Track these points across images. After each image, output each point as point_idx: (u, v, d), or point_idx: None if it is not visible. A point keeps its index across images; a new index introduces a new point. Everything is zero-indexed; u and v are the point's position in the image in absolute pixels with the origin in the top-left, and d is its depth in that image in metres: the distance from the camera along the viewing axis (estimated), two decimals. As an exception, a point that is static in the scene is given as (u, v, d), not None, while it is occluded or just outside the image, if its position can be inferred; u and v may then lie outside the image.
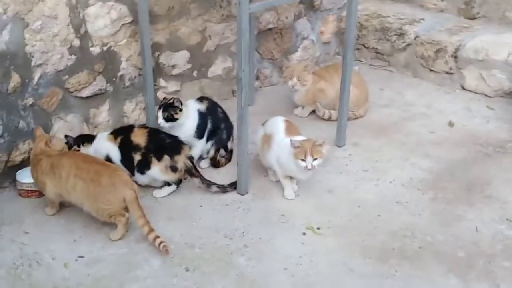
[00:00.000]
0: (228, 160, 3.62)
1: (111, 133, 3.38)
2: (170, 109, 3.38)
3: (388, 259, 2.91)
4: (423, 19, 4.74)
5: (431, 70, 4.57)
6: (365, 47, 4.88)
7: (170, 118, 3.39)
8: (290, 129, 3.32)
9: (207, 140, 3.56)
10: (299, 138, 3.22)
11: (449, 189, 3.41)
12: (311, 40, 4.74)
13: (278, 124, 3.36)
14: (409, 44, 4.64)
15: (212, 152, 3.57)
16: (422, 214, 3.22)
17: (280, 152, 3.24)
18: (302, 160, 3.12)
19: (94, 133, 3.52)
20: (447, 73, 4.49)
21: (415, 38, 4.60)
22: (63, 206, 3.20)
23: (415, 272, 2.82)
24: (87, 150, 3.35)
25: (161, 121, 3.40)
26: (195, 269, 2.83)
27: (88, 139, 3.40)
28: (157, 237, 2.89)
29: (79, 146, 3.35)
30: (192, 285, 2.74)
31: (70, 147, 3.35)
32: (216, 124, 3.56)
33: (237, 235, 3.05)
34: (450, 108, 4.25)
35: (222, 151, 3.61)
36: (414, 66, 4.66)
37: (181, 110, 3.40)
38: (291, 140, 3.14)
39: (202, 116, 3.52)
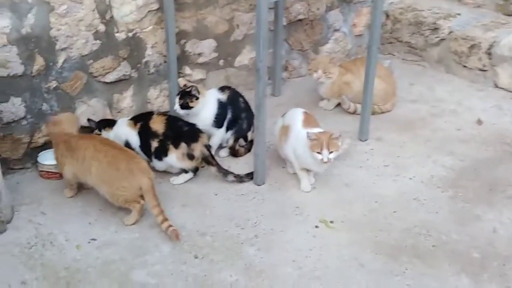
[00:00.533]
0: (248, 150, 3.61)
1: (131, 119, 3.42)
2: (187, 96, 3.40)
3: (399, 256, 2.86)
4: (459, 14, 4.63)
5: (464, 66, 4.47)
6: (398, 41, 4.80)
7: (185, 106, 3.40)
8: (308, 121, 3.30)
9: (227, 130, 3.56)
10: (316, 130, 3.19)
11: (470, 188, 3.34)
12: (343, 32, 4.69)
13: (296, 116, 3.34)
14: (442, 39, 4.54)
15: (231, 142, 3.57)
16: (440, 212, 3.16)
17: (296, 144, 3.22)
18: (318, 153, 3.09)
19: (117, 119, 3.55)
20: (480, 70, 4.39)
21: (449, 33, 4.50)
22: (81, 189, 3.25)
23: (426, 271, 2.78)
24: (108, 134, 3.39)
25: (177, 107, 3.42)
26: (204, 257, 2.84)
27: (109, 123, 3.44)
28: (170, 226, 2.91)
29: (100, 131, 3.40)
30: (199, 273, 2.75)
31: (92, 131, 3.39)
32: (236, 114, 3.56)
33: (249, 225, 3.05)
34: (481, 106, 4.15)
35: (241, 141, 3.61)
36: (447, 61, 4.56)
37: (197, 98, 3.40)
38: (307, 133, 3.12)
39: (222, 106, 3.52)
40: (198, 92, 3.41)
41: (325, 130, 3.20)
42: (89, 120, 3.46)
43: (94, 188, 3.09)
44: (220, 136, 3.53)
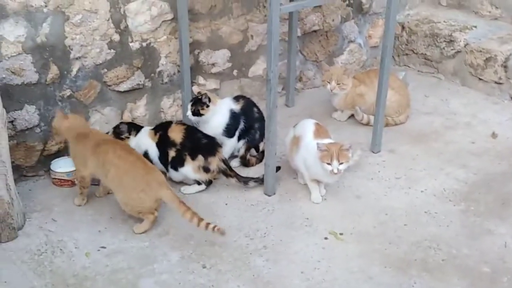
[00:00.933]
0: (260, 160, 3.61)
1: (153, 129, 3.43)
2: (199, 104, 3.41)
3: (408, 269, 2.85)
4: (475, 27, 4.60)
5: (479, 79, 4.44)
6: (414, 52, 4.78)
7: (196, 113, 3.42)
8: (320, 132, 3.30)
9: (239, 139, 3.57)
10: (327, 141, 3.19)
11: (482, 202, 3.31)
12: (358, 44, 4.68)
13: (307, 127, 3.34)
14: (458, 52, 4.52)
15: (242, 151, 3.57)
16: (450, 226, 3.13)
17: (307, 154, 3.22)
18: (328, 163, 3.09)
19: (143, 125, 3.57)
20: (496, 82, 4.35)
21: (465, 46, 4.47)
22: (92, 197, 3.27)
23: (435, 285, 2.76)
24: (131, 140, 3.40)
25: (189, 113, 3.45)
26: (212, 266, 2.85)
27: (135, 128, 3.44)
28: (208, 223, 2.90)
29: (130, 134, 3.41)
30: (207, 283, 2.75)
31: (119, 134, 3.39)
32: (249, 124, 3.56)
33: (258, 235, 3.05)
34: (496, 119, 4.12)
35: (253, 151, 3.61)
36: (463, 74, 4.53)
37: (208, 106, 3.42)
38: (317, 143, 3.11)
39: (235, 116, 3.53)
40: (209, 100, 3.43)
41: (335, 141, 3.20)
42: (121, 123, 3.44)
43: (110, 191, 3.12)
44: (231, 146, 3.54)
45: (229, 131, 3.51)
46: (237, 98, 3.62)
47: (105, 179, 3.06)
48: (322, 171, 3.15)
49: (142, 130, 3.46)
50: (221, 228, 2.89)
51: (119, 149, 3.06)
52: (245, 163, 3.59)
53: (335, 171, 3.09)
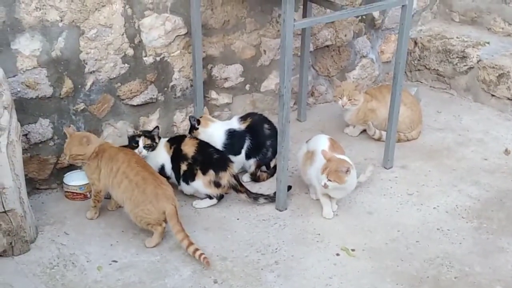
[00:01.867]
0: (271, 175, 3.61)
1: (168, 141, 3.46)
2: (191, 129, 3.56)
3: (421, 287, 2.84)
4: (488, 43, 4.60)
5: (492, 95, 4.43)
6: (426, 68, 4.78)
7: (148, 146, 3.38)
8: (334, 148, 3.30)
9: (249, 157, 3.57)
10: (340, 157, 3.19)
11: (495, 219, 3.29)
12: (370, 59, 4.69)
13: (322, 142, 3.34)
14: (471, 68, 4.51)
15: (252, 168, 3.58)
16: (463, 243, 3.12)
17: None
18: (322, 173, 3.11)
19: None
20: (508, 99, 4.34)
21: (477, 62, 4.47)
22: (104, 210, 3.28)
23: (447, 303, 2.75)
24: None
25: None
26: (223, 281, 2.85)
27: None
28: (197, 249, 2.93)
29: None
30: (218, 298, 2.76)
31: (153, 141, 3.38)
32: (258, 142, 3.56)
33: (270, 251, 3.05)
34: (509, 136, 4.10)
35: (263, 167, 3.62)
36: (475, 90, 4.52)
37: (196, 129, 3.51)
38: (322, 150, 3.12)
39: (234, 135, 3.54)
40: (198, 123, 3.50)
41: (344, 159, 3.19)
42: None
43: (119, 203, 3.14)
44: (238, 162, 3.53)
45: (230, 150, 3.50)
46: (244, 117, 3.64)
47: (117, 190, 3.07)
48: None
49: (160, 141, 3.46)
50: (208, 259, 2.89)
51: (134, 162, 3.09)
52: (255, 179, 3.59)
53: (322, 183, 3.10)
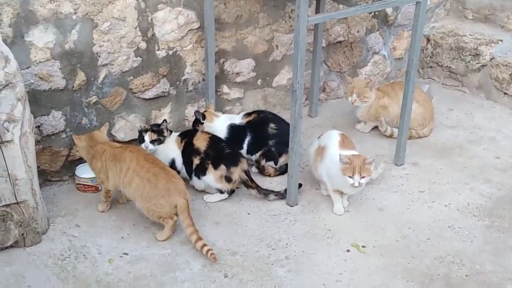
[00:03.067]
0: (280, 173, 3.60)
1: (179, 135, 3.47)
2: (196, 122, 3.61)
3: (431, 284, 2.83)
4: (501, 41, 4.57)
5: (505, 93, 4.41)
6: (438, 65, 4.76)
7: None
8: (345, 143, 3.29)
9: (252, 153, 3.60)
10: (350, 153, 3.18)
11: (506, 217, 3.28)
12: (382, 55, 4.67)
13: (333, 137, 3.33)
14: (483, 65, 4.49)
15: (256, 156, 3.60)
16: (474, 241, 3.11)
17: (331, 165, 3.22)
18: (350, 177, 3.08)
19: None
20: (521, 97, 4.33)
21: (490, 60, 4.44)
22: (115, 203, 3.29)
23: (458, 301, 2.74)
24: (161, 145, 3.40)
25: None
26: (234, 276, 2.85)
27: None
28: (205, 245, 2.94)
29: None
30: (228, 292, 2.76)
31: (161, 135, 3.39)
32: (259, 138, 3.58)
33: (280, 246, 3.05)
34: (521, 134, 4.09)
35: (271, 163, 3.62)
36: (488, 88, 4.50)
37: (202, 123, 3.55)
38: (340, 155, 3.10)
39: (236, 129, 3.58)
40: (204, 117, 3.55)
41: (359, 154, 3.19)
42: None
43: (131, 200, 3.14)
44: None
45: (231, 144, 3.50)
46: (249, 114, 3.67)
47: (129, 189, 3.08)
48: (344, 182, 3.14)
49: (171, 135, 3.47)
50: (215, 254, 2.90)
51: (142, 159, 3.09)
52: (260, 168, 3.59)
53: (356, 184, 3.08)
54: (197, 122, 3.59)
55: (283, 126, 3.58)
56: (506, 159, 3.81)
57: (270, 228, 3.18)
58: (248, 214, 3.28)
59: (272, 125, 3.61)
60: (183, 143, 3.41)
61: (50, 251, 2.97)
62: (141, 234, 3.11)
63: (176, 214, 3.03)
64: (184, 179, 3.26)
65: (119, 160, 3.11)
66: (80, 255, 2.95)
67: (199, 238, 2.96)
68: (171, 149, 3.42)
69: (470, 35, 4.68)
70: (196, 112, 3.60)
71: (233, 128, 3.59)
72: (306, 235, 3.13)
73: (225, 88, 3.96)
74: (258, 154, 3.60)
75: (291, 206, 3.33)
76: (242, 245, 3.05)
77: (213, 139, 3.39)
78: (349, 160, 3.08)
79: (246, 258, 2.97)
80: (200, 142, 3.36)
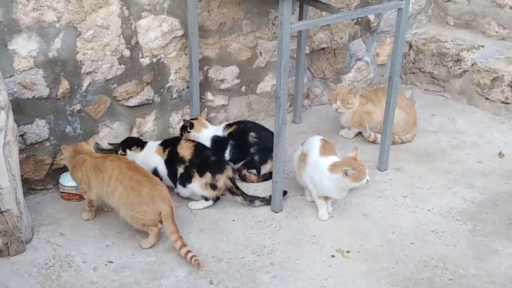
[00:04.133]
0: (263, 179, 3.62)
1: (161, 144, 3.46)
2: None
3: (415, 289, 2.85)
4: (482, 46, 4.62)
5: (486, 98, 4.45)
6: (421, 71, 4.80)
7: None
8: (325, 149, 3.30)
9: (235, 163, 3.64)
10: (332, 158, 3.21)
11: (489, 221, 3.31)
12: (365, 62, 4.71)
13: (314, 143, 3.35)
14: (465, 71, 4.54)
15: (238, 165, 3.63)
16: (457, 245, 3.14)
17: (313, 172, 3.23)
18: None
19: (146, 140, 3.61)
20: (502, 102, 4.37)
21: (472, 65, 4.49)
22: (100, 211, 3.29)
23: (442, 305, 2.76)
24: (135, 155, 3.43)
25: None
26: (219, 283, 2.85)
27: (137, 143, 3.49)
28: (189, 251, 2.94)
29: (124, 151, 3.44)
30: (214, 299, 2.77)
31: (116, 152, 3.44)
32: (241, 149, 3.62)
33: (265, 252, 3.06)
34: (503, 139, 4.13)
35: (254, 171, 3.65)
36: (470, 93, 4.55)
37: (188, 132, 3.63)
38: (345, 170, 3.10)
39: (217, 141, 3.63)
40: (192, 126, 3.61)
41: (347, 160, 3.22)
42: (109, 143, 3.51)
43: (115, 209, 3.13)
44: None
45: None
46: (230, 125, 3.71)
47: (112, 198, 3.08)
48: (329, 187, 3.16)
49: (148, 145, 3.49)
50: (199, 261, 2.90)
51: (125, 167, 3.09)
52: (241, 177, 3.62)
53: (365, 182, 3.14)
54: (184, 129, 3.61)
55: (264, 134, 3.62)
56: (488, 164, 3.85)
57: (255, 234, 3.19)
58: (233, 220, 3.29)
59: (252, 133, 3.63)
60: (166, 152, 3.41)
61: (35, 260, 2.96)
62: (126, 242, 3.11)
63: (161, 221, 3.03)
64: (168, 187, 3.26)
65: (101, 170, 3.10)
66: (65, 264, 2.94)
67: (184, 245, 2.96)
68: (152, 158, 3.43)
69: (451, 41, 4.73)
70: (185, 120, 3.63)
71: (215, 140, 3.62)
72: (291, 241, 3.15)
73: (209, 95, 3.97)
74: (240, 164, 3.62)
75: (276, 212, 3.34)
76: (227, 252, 3.05)
77: (198, 147, 3.40)
78: (355, 167, 3.12)
79: (231, 264, 2.97)
80: (185, 151, 3.37)
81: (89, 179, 3.14)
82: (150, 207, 3.00)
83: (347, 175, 3.09)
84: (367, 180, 3.13)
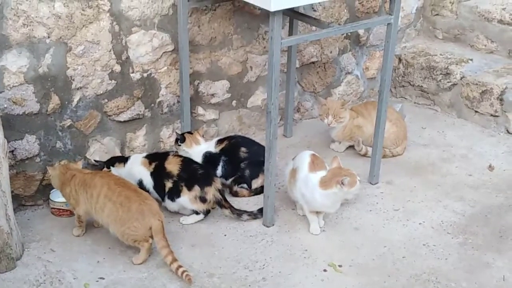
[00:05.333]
0: (254, 193, 3.62)
1: (146, 157, 3.46)
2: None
3: (407, 302, 2.85)
4: (471, 60, 4.66)
5: (476, 111, 4.48)
6: (410, 84, 4.83)
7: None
8: (315, 164, 3.30)
9: (226, 178, 3.63)
10: (321, 173, 3.22)
11: (480, 234, 3.32)
12: (355, 75, 4.73)
13: (304, 159, 3.35)
14: (454, 84, 4.57)
15: (229, 182, 3.63)
16: (449, 258, 3.14)
17: (304, 187, 3.24)
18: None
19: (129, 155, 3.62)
20: (491, 115, 4.39)
21: (461, 78, 4.52)
22: (91, 227, 3.27)
23: (434, 318, 2.76)
24: (119, 171, 3.43)
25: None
26: (211, 298, 2.85)
27: (120, 160, 3.49)
28: (180, 266, 2.93)
29: (108, 168, 3.44)
30: (206, 315, 2.75)
31: (101, 169, 3.45)
32: (232, 164, 3.62)
33: (257, 267, 3.05)
34: (492, 152, 4.15)
35: (245, 185, 3.65)
36: (459, 106, 4.58)
37: (179, 145, 3.62)
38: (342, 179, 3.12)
39: (209, 157, 3.62)
40: (184, 140, 3.61)
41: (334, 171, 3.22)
42: (95, 160, 3.52)
43: (104, 226, 3.12)
44: None
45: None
46: (221, 140, 3.71)
47: (101, 214, 3.06)
48: (324, 202, 3.16)
49: (132, 158, 3.49)
50: (190, 276, 2.89)
51: (113, 184, 3.09)
52: (232, 193, 3.62)
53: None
54: (176, 142, 3.62)
55: (255, 148, 3.64)
56: (478, 177, 3.86)
57: (247, 249, 3.18)
58: (225, 235, 3.29)
59: (243, 148, 3.64)
60: (152, 165, 3.41)
61: (25, 277, 2.93)
62: (117, 258, 3.09)
63: (151, 237, 3.02)
64: (156, 200, 3.26)
65: (89, 186, 3.09)
66: (56, 281, 2.92)
67: (175, 260, 2.95)
68: (137, 170, 3.42)
69: (440, 54, 4.77)
70: (177, 133, 3.63)
71: (207, 157, 3.62)
72: (283, 255, 3.14)
73: (200, 110, 3.97)
74: (230, 180, 3.62)
75: (267, 226, 3.34)
76: (219, 267, 3.04)
77: (185, 161, 3.40)
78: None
79: (223, 280, 2.96)
80: (173, 166, 3.36)
81: (77, 194, 3.13)
82: (140, 223, 2.99)
83: (344, 184, 3.09)
84: (359, 181, 3.14)
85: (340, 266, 3.08)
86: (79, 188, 3.12)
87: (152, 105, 3.75)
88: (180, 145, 3.59)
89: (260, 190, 3.56)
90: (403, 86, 4.88)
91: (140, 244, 3.03)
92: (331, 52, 4.49)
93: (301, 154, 3.43)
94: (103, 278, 2.95)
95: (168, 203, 3.38)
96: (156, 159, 3.43)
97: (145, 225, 2.99)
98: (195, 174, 3.35)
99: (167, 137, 3.86)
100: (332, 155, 3.97)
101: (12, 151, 3.27)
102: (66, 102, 3.40)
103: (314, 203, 3.22)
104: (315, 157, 3.36)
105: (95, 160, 3.52)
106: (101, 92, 3.51)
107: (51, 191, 3.42)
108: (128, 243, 3.05)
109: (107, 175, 3.22)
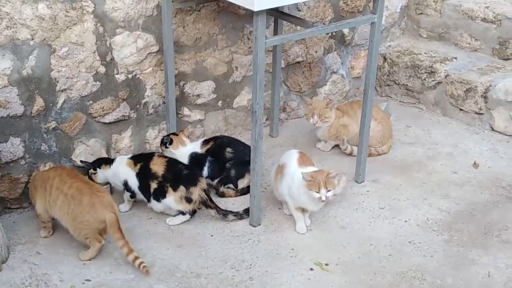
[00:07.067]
0: (241, 194, 3.62)
1: (131, 158, 3.45)
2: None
3: (394, 300, 2.87)
4: (455, 58, 4.68)
5: (460, 109, 4.51)
6: (395, 83, 4.85)
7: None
8: (303, 160, 3.32)
9: (212, 178, 3.64)
10: (311, 169, 3.22)
11: (465, 231, 3.34)
12: (340, 75, 4.74)
13: (291, 155, 3.36)
14: (439, 82, 4.59)
15: (215, 183, 3.63)
16: (435, 255, 3.16)
17: (291, 183, 3.24)
18: (317, 192, 3.10)
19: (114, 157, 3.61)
20: (476, 113, 4.42)
21: (445, 77, 4.55)
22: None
23: (420, 315, 2.78)
24: (105, 172, 3.42)
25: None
26: (198, 299, 2.85)
27: (106, 161, 3.48)
28: (137, 257, 2.94)
29: (95, 169, 3.43)
30: (193, 315, 2.75)
31: (86, 172, 3.43)
32: (219, 164, 3.62)
33: (244, 267, 3.06)
34: (477, 149, 4.17)
35: (231, 186, 3.65)
36: (444, 104, 4.60)
37: (166, 147, 3.61)
38: (302, 174, 3.13)
39: (196, 158, 3.62)
40: (171, 142, 3.59)
41: (321, 169, 3.22)
42: (81, 161, 3.50)
43: (59, 221, 3.10)
44: None
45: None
46: (207, 141, 3.72)
47: (54, 208, 3.05)
48: (306, 198, 3.17)
49: (117, 159, 3.48)
50: (147, 267, 2.90)
51: (65, 175, 3.08)
52: (219, 193, 3.62)
53: (323, 198, 3.11)
54: (163, 144, 3.61)
55: (240, 148, 3.64)
56: (463, 174, 3.89)
57: (234, 249, 3.18)
58: (212, 235, 3.29)
59: (228, 149, 3.64)
60: (137, 166, 3.40)
61: (11, 280, 2.92)
62: (104, 260, 3.08)
63: (105, 232, 3.00)
64: (143, 202, 3.25)
65: (44, 179, 3.09)
66: (42, 283, 2.92)
67: (131, 251, 2.94)
68: (122, 171, 3.41)
69: (425, 53, 4.79)
70: (165, 136, 3.63)
71: (194, 158, 3.62)
72: (270, 255, 3.15)
73: (185, 111, 3.97)
74: (216, 181, 3.62)
75: (254, 226, 3.34)
76: (206, 267, 3.04)
77: (170, 162, 3.40)
78: (311, 178, 3.10)
79: (210, 280, 2.96)
80: (158, 167, 3.36)
81: (36, 190, 3.12)
82: (92, 216, 2.96)
83: (303, 178, 3.12)
84: (321, 199, 3.11)
85: (326, 264, 3.09)
86: (38, 184, 3.12)
87: (138, 106, 3.74)
88: (167, 147, 3.58)
89: (246, 190, 3.57)
90: (388, 85, 4.90)
91: (91, 243, 3.03)
92: (316, 52, 4.50)
93: (287, 152, 3.44)
94: (89, 280, 2.94)
95: (153, 203, 3.38)
96: (141, 160, 3.43)
97: (97, 218, 2.96)
98: (180, 174, 3.35)
99: (153, 138, 3.86)
100: (319, 154, 4.01)
101: (-3, 154, 3.26)
102: (51, 104, 3.38)
103: (299, 199, 3.22)
104: (303, 154, 3.38)
105: (81, 161, 3.50)
106: (86, 93, 3.50)
107: (36, 194, 3.40)
108: (80, 239, 3.03)
109: (61, 168, 3.22)
